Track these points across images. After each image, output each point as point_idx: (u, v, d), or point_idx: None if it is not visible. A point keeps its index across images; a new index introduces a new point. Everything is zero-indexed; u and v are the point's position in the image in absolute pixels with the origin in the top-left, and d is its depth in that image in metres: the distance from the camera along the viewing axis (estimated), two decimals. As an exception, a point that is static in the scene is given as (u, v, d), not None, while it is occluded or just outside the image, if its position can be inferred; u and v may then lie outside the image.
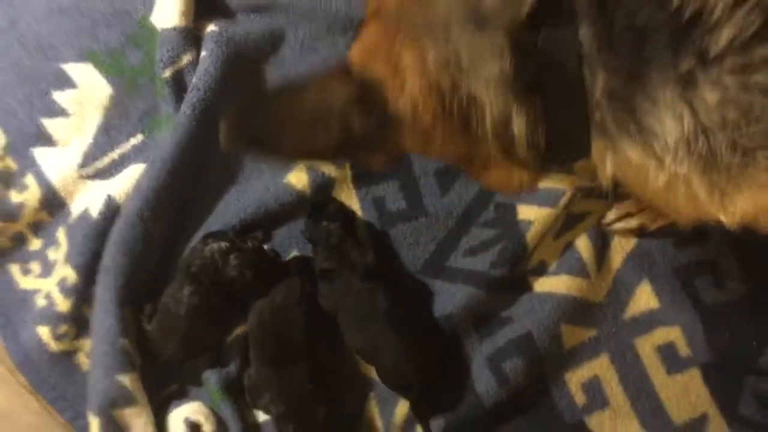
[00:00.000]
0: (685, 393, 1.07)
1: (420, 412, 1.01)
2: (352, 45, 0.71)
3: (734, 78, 0.56)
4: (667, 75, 0.57)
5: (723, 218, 0.65)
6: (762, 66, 0.56)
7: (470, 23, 0.63)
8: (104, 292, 1.01)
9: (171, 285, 1.02)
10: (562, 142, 0.66)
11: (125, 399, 0.98)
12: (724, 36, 0.55)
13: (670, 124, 0.59)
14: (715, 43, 0.56)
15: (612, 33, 0.59)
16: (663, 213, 1.05)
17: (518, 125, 0.65)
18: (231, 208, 1.07)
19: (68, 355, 1.07)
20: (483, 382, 1.04)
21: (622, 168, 0.66)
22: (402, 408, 1.04)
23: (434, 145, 0.71)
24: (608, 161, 0.66)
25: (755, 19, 0.54)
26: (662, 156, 0.61)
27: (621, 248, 1.08)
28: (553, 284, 1.06)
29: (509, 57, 0.61)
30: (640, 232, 1.09)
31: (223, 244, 1.01)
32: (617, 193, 1.00)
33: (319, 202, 1.06)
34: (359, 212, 1.07)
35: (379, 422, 1.05)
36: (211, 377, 1.03)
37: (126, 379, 0.98)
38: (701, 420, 1.06)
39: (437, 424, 1.02)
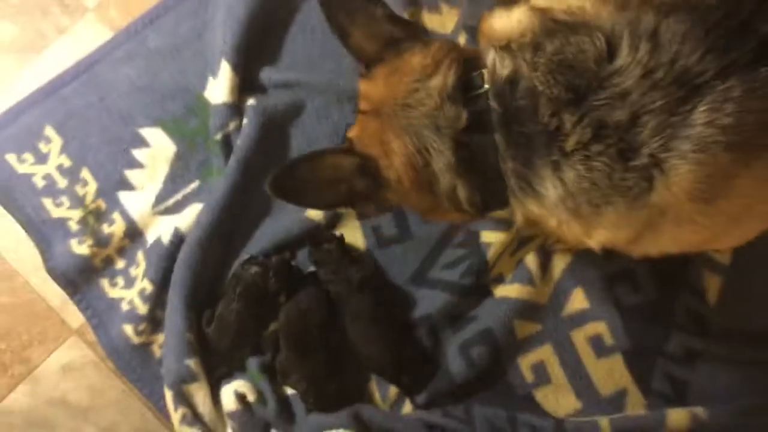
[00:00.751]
0: (610, 372, 1.29)
1: (405, 389, 1.27)
2: (351, 127, 0.98)
3: (582, 164, 0.81)
4: (545, 161, 0.83)
5: (592, 245, 0.94)
6: (597, 157, 0.80)
7: (432, 128, 0.89)
8: (174, 299, 1.29)
9: (223, 299, 1.30)
10: (491, 201, 0.93)
11: (191, 377, 1.26)
12: (572, 141, 0.80)
13: (551, 190, 0.85)
14: (568, 144, 0.81)
15: (512, 137, 0.86)
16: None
17: (461, 192, 0.91)
18: (266, 236, 1.34)
19: (146, 346, 1.35)
20: (456, 364, 1.28)
21: (529, 216, 0.91)
22: (394, 388, 1.29)
23: (411, 201, 0.96)
24: (519, 213, 0.92)
25: (589, 131, 0.79)
26: (550, 209, 0.87)
27: (560, 262, 1.31)
28: (508, 290, 1.30)
29: (453, 152, 0.88)
30: (573, 250, 1.30)
31: (256, 268, 1.28)
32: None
33: (317, 234, 1.33)
34: (361, 237, 1.34)
35: (377, 395, 1.30)
36: (253, 362, 1.30)
37: (191, 363, 1.27)
38: (622, 393, 1.28)
39: (421, 396, 1.27)
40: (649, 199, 0.82)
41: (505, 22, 0.92)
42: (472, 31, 1.37)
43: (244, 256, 1.33)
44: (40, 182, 1.39)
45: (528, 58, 0.86)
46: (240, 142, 1.35)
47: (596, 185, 0.82)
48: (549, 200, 0.86)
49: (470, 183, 0.92)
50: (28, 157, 1.40)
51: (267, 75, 1.41)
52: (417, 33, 0.97)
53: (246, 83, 1.40)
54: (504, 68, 0.88)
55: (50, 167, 1.40)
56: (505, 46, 0.90)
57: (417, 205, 0.99)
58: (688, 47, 0.76)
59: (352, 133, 0.98)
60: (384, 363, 1.25)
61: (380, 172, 0.93)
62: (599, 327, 1.29)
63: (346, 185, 0.95)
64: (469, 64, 0.94)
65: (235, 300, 1.28)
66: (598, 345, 1.29)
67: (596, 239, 0.90)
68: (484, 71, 0.91)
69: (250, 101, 1.39)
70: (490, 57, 0.90)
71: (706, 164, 0.77)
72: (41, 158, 1.40)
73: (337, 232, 1.32)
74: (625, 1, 0.82)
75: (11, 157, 1.41)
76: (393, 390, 1.29)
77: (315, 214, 1.34)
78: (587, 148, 0.81)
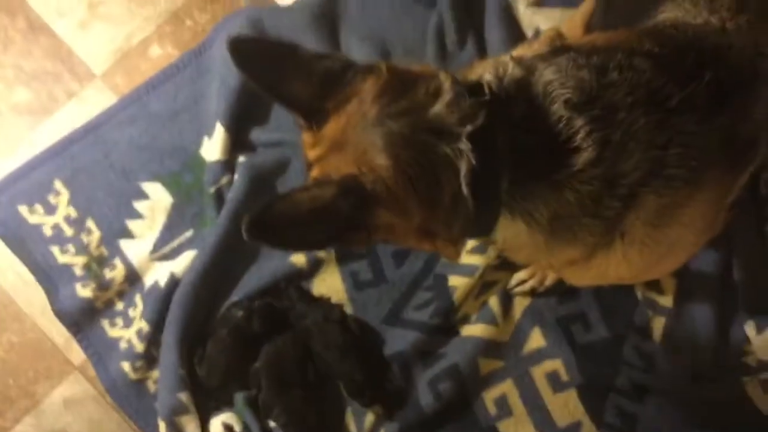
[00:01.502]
0: (566, 405, 1.37)
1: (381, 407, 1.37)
2: (309, 174, 0.87)
3: (581, 185, 0.82)
4: (547, 181, 0.83)
5: (551, 266, 1.02)
6: (593, 180, 0.82)
7: (435, 133, 0.80)
8: (168, 337, 1.39)
9: (212, 340, 1.39)
10: (482, 221, 0.86)
11: (183, 409, 1.36)
12: (584, 158, 0.81)
13: (543, 212, 0.85)
14: (580, 161, 0.81)
15: (516, 150, 0.81)
16: (543, 271, 1.37)
17: (467, 206, 0.82)
18: (252, 280, 1.45)
19: (142, 382, 1.44)
20: (425, 397, 1.37)
21: (508, 239, 0.90)
22: (370, 417, 1.38)
23: (403, 216, 0.83)
24: (501, 236, 0.90)
25: (595, 150, 0.81)
26: (533, 232, 0.87)
27: (520, 305, 1.41)
28: (474, 330, 1.39)
29: (469, 156, 0.80)
30: (532, 293, 1.41)
31: (242, 312, 1.39)
32: (514, 265, 1.37)
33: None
34: (340, 282, 1.45)
35: (353, 427, 1.39)
36: (239, 397, 1.40)
37: (183, 396, 1.37)
38: (577, 425, 1.36)
39: (392, 427, 1.36)
40: (621, 224, 0.88)
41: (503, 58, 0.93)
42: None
43: (233, 298, 1.43)
44: (48, 231, 1.51)
45: (540, 63, 0.90)
46: (231, 195, 1.47)
47: (585, 209, 0.85)
48: (538, 222, 0.87)
49: (477, 199, 0.84)
50: (39, 208, 1.52)
51: (256, 135, 1.53)
52: (351, 62, 0.88)
53: (237, 143, 1.52)
54: (514, 71, 0.88)
55: (58, 217, 1.51)
56: (513, 58, 0.92)
57: (406, 223, 0.86)
58: (656, 77, 0.86)
59: (314, 174, 0.87)
60: (358, 383, 1.35)
61: (365, 187, 0.81)
62: (555, 364, 1.39)
63: (329, 214, 0.82)
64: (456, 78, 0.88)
65: (223, 341, 1.39)
66: (554, 380, 1.38)
67: (561, 260, 0.94)
68: (486, 79, 0.88)
69: (241, 158, 1.51)
70: (495, 67, 0.89)
71: (667, 196, 0.87)
72: (50, 209, 1.52)
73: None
74: (594, 47, 0.93)
75: (23, 209, 1.52)
76: (368, 421, 1.38)
77: (298, 260, 1.45)
78: (592, 168, 0.83)
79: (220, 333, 1.40)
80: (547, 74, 0.86)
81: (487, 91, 0.84)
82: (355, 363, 1.35)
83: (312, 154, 0.87)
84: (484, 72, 0.88)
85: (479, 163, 0.80)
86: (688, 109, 0.87)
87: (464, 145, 0.80)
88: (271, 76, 0.86)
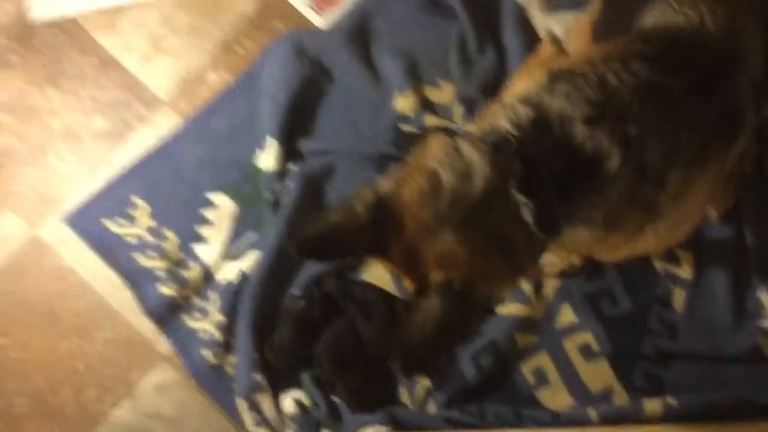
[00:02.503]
0: (598, 373, 1.46)
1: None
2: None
3: (619, 182, 0.92)
4: (589, 190, 0.93)
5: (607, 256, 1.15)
6: (628, 175, 0.92)
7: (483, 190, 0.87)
8: (242, 326, 1.53)
9: (278, 328, 1.54)
10: (551, 239, 0.94)
11: (258, 388, 1.49)
12: (614, 161, 0.90)
13: (597, 214, 0.95)
14: (612, 165, 0.90)
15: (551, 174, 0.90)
16: (577, 255, 1.47)
17: (527, 212, 0.88)
18: (309, 272, 1.57)
19: (221, 366, 1.56)
20: (468, 370, 1.47)
21: (576, 241, 1.00)
22: (420, 389, 1.49)
23: (496, 277, 0.91)
24: (568, 240, 0.98)
25: (620, 150, 0.90)
26: (595, 231, 0.98)
27: (551, 285, 1.50)
28: (509, 309, 1.49)
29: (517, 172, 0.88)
30: (562, 274, 1.50)
31: (303, 302, 1.54)
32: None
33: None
34: (387, 272, 1.55)
35: (406, 398, 1.50)
36: (305, 376, 1.52)
37: (258, 377, 1.50)
38: (609, 390, 1.45)
39: (440, 397, 1.47)
40: (655, 205, 0.97)
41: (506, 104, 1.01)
42: (466, 101, 1.64)
43: (294, 289, 1.58)
44: (132, 240, 1.67)
45: (545, 95, 0.97)
46: (286, 200, 1.60)
47: (627, 201, 0.95)
48: (595, 223, 0.96)
49: (544, 230, 0.90)
50: (122, 221, 1.68)
51: (304, 146, 1.66)
52: (381, 193, 0.92)
53: (288, 153, 1.65)
54: (526, 112, 0.95)
55: (139, 228, 1.67)
56: (516, 100, 0.99)
57: (501, 280, 0.94)
58: (654, 73, 0.96)
59: (407, 286, 0.94)
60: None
61: (456, 286, 0.87)
62: (586, 336, 1.49)
63: (364, 228, 0.90)
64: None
65: (288, 329, 1.54)
66: (586, 351, 1.48)
67: (612, 246, 1.04)
68: (505, 129, 0.94)
69: (292, 167, 1.64)
70: (507, 115, 0.96)
71: (685, 172, 0.97)
72: (132, 221, 1.68)
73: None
74: (591, 60, 1.02)
75: (108, 222, 1.69)
76: (419, 392, 1.50)
77: None
78: (623, 167, 0.92)
79: (285, 322, 1.54)
80: (555, 104, 0.95)
81: (512, 140, 0.91)
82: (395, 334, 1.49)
83: (396, 272, 0.95)
84: (497, 120, 0.96)
85: (536, 205, 0.88)
86: (687, 96, 0.99)
87: (517, 197, 0.88)
88: (333, 251, 0.93)
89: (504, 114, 0.97)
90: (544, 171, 0.90)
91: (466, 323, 0.91)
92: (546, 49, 1.32)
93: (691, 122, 0.99)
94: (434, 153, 0.93)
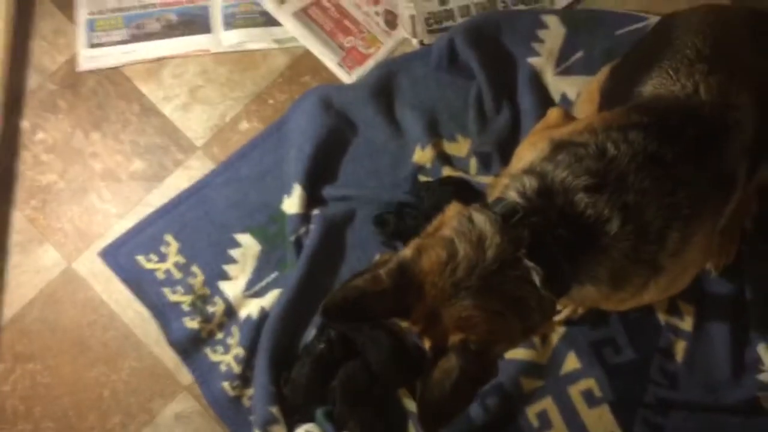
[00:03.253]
0: (600, 419, 1.52)
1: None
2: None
3: (622, 242, 0.99)
4: (594, 250, 1.00)
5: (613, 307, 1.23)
6: (629, 236, 0.99)
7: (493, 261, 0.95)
8: (261, 360, 1.60)
9: (296, 365, 1.59)
10: (560, 298, 1.02)
11: (274, 420, 1.56)
12: (615, 224, 0.98)
13: (602, 272, 1.01)
14: (612, 227, 0.97)
15: (558, 239, 0.98)
16: (583, 306, 1.54)
17: (536, 275, 0.96)
18: None
19: (239, 399, 1.63)
20: (474, 410, 1.53)
21: (584, 296, 1.06)
22: None
23: (510, 336, 0.98)
24: (576, 296, 1.05)
25: (620, 214, 0.98)
26: (600, 287, 1.04)
27: (556, 332, 1.57)
28: (516, 353, 1.54)
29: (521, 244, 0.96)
30: (567, 322, 1.57)
31: (323, 345, 1.59)
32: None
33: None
34: None
35: None
36: (319, 411, 1.58)
37: (274, 409, 1.56)
38: None
39: None
40: (657, 262, 1.03)
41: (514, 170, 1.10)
42: (481, 156, 1.75)
43: (312, 328, 1.65)
44: (161, 275, 1.76)
45: (548, 166, 1.04)
46: (308, 242, 1.69)
47: (630, 259, 1.01)
48: (601, 281, 1.03)
49: (554, 291, 0.98)
50: (153, 257, 1.78)
51: (327, 192, 1.76)
52: (402, 260, 0.98)
53: (312, 198, 1.74)
54: (532, 183, 1.02)
55: (169, 264, 1.77)
56: (521, 171, 1.06)
57: (514, 339, 1.01)
58: (650, 142, 1.04)
59: (428, 345, 0.99)
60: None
61: (472, 345, 0.94)
62: (590, 382, 1.55)
63: (387, 293, 0.96)
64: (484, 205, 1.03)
65: (305, 367, 1.60)
66: (589, 397, 1.54)
67: (617, 300, 1.11)
68: (512, 199, 1.01)
69: (316, 211, 1.73)
70: (515, 186, 1.03)
71: (684, 230, 1.04)
72: (162, 257, 1.78)
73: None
74: (592, 129, 1.10)
75: (140, 258, 1.78)
76: None
77: None
78: (623, 229, 0.99)
79: (303, 360, 1.61)
80: (558, 174, 1.02)
81: (520, 210, 0.99)
82: (404, 365, 1.55)
83: (415, 329, 1.00)
84: (506, 191, 1.04)
85: (545, 269, 0.96)
86: (682, 160, 1.07)
87: (528, 263, 0.96)
88: (359, 314, 0.99)
89: (512, 185, 1.04)
90: (550, 237, 0.98)
91: (481, 381, 0.97)
92: (553, 114, 1.43)
93: (686, 185, 1.07)
94: (450, 223, 1.01)
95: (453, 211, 1.04)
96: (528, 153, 1.14)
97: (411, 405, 1.60)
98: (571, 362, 1.57)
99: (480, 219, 0.99)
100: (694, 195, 1.07)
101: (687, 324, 1.57)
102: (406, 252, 1.00)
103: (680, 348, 1.55)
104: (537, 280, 0.97)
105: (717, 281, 1.58)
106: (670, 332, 1.57)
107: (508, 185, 1.05)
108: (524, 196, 1.02)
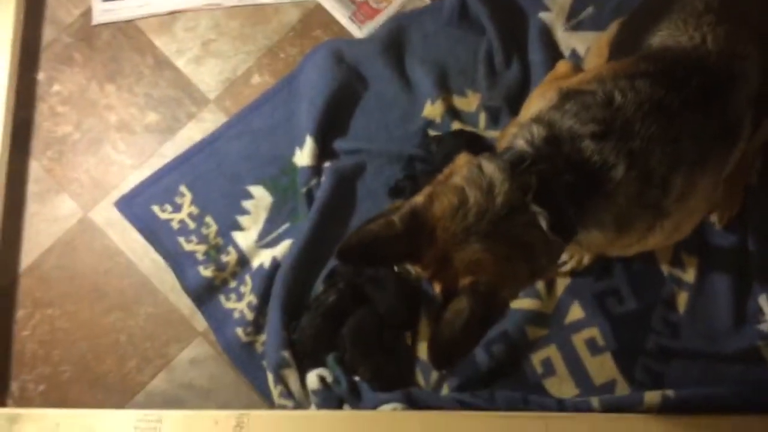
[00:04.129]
0: (602, 366, 1.54)
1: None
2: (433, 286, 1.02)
3: (627, 187, 1.01)
4: (600, 196, 1.02)
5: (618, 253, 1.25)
6: (634, 181, 1.01)
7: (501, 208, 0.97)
8: (273, 307, 1.64)
9: (306, 315, 1.63)
10: (567, 242, 1.04)
11: (286, 364, 1.59)
12: (620, 171, 0.99)
13: (607, 216, 1.03)
14: (618, 174, 0.99)
15: (565, 185, 1.00)
16: (589, 253, 1.56)
17: (544, 220, 0.99)
18: (334, 261, 1.68)
19: (251, 344, 1.66)
20: (481, 357, 1.55)
21: (591, 242, 1.08)
22: (435, 374, 1.59)
23: (519, 280, 1.00)
24: (584, 240, 1.07)
25: (625, 160, 1.00)
26: (606, 231, 1.06)
27: (561, 283, 1.59)
28: (522, 303, 1.57)
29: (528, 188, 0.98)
30: (572, 273, 1.59)
31: (334, 296, 1.63)
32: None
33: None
34: None
35: (422, 380, 1.60)
36: (330, 357, 1.62)
37: (286, 354, 1.60)
38: (612, 383, 1.53)
39: (454, 381, 1.56)
40: (661, 206, 1.05)
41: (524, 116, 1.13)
42: (490, 110, 1.77)
43: (322, 275, 1.70)
44: (176, 225, 1.80)
45: (555, 114, 1.06)
46: (319, 194, 1.71)
47: (635, 204, 1.03)
48: (607, 225, 1.05)
49: (560, 235, 1.01)
50: (168, 207, 1.82)
51: (338, 145, 1.78)
52: (414, 205, 1.01)
53: (323, 151, 1.77)
54: (540, 131, 1.03)
55: (183, 214, 1.81)
56: (530, 120, 1.07)
57: (524, 280, 1.04)
58: (656, 90, 1.06)
59: (438, 290, 1.01)
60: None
61: (482, 287, 0.97)
62: (593, 332, 1.58)
63: (400, 237, 0.99)
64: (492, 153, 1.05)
65: (317, 319, 1.63)
66: (592, 345, 1.57)
67: (623, 245, 1.13)
68: (521, 147, 1.03)
69: (327, 164, 1.76)
70: (523, 134, 1.05)
71: (688, 176, 1.06)
72: (177, 208, 1.81)
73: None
74: (600, 77, 1.12)
75: (156, 208, 1.82)
76: (434, 376, 1.61)
77: None
78: (628, 174, 1.02)
79: (313, 312, 1.64)
80: (565, 122, 1.05)
81: (528, 157, 1.01)
82: (408, 303, 1.60)
83: (426, 274, 1.03)
84: (514, 139, 1.06)
85: (552, 214, 0.99)
86: (688, 108, 1.09)
87: (535, 208, 0.99)
88: (372, 257, 1.03)
89: (520, 133, 1.07)
90: (557, 183, 1.00)
91: (490, 321, 1.01)
92: (561, 67, 1.44)
93: (691, 132, 1.09)
94: (460, 171, 1.03)
95: (463, 160, 1.07)
96: (537, 102, 1.16)
97: (419, 351, 1.65)
98: (576, 312, 1.60)
99: (489, 167, 1.02)
100: (699, 142, 1.10)
101: (690, 275, 1.59)
102: (419, 198, 1.03)
103: (682, 298, 1.57)
104: (544, 224, 0.99)
105: (720, 233, 1.60)
106: (673, 283, 1.59)
107: (516, 134, 1.08)
108: (532, 144, 1.04)
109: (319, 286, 1.70)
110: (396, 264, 1.10)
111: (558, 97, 1.10)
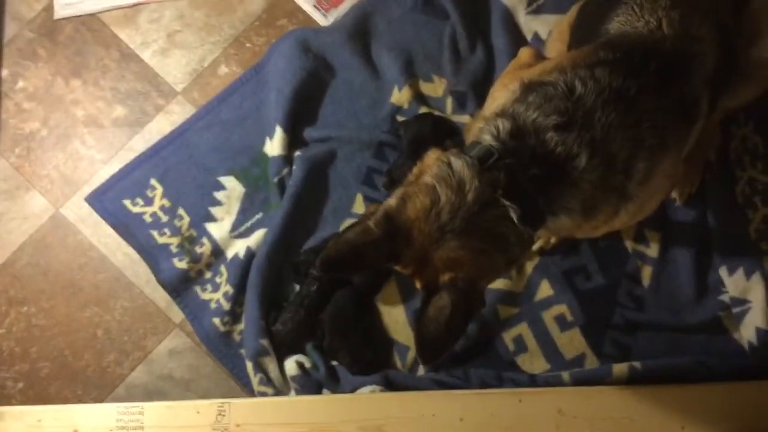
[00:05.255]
0: (571, 342, 1.60)
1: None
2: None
3: (591, 174, 1.04)
4: (566, 184, 1.04)
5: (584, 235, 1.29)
6: (597, 167, 1.03)
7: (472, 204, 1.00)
8: (250, 296, 1.66)
9: (288, 307, 1.64)
10: (537, 230, 1.07)
11: (264, 352, 1.62)
12: (583, 160, 1.02)
13: (574, 203, 1.06)
14: (580, 163, 1.02)
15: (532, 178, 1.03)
16: (558, 236, 1.59)
17: (515, 213, 1.02)
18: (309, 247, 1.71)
19: (229, 334, 1.70)
20: None
21: (559, 227, 1.11)
22: (411, 353, 1.63)
23: (496, 269, 1.06)
24: (553, 227, 1.10)
25: (587, 149, 1.02)
26: (574, 216, 1.09)
27: (530, 262, 1.64)
28: (493, 284, 1.43)
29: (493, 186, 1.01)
30: (540, 253, 1.64)
31: (315, 288, 1.64)
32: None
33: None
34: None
35: (398, 362, 1.64)
36: (308, 343, 1.66)
37: (264, 342, 1.63)
38: (582, 357, 1.59)
39: None
40: (625, 189, 1.09)
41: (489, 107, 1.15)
42: (456, 95, 1.79)
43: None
44: (148, 218, 1.81)
45: (519, 107, 1.08)
46: (291, 183, 1.73)
47: (599, 189, 1.07)
48: (574, 211, 1.08)
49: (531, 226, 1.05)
50: (139, 201, 1.82)
51: (308, 133, 1.79)
52: (388, 208, 1.04)
53: (293, 140, 1.78)
54: (504, 124, 1.06)
55: (155, 207, 1.81)
56: (494, 113, 1.09)
57: (499, 270, 1.09)
58: (615, 77, 1.08)
59: (419, 286, 1.05)
60: None
61: (460, 283, 1.00)
62: (562, 308, 1.63)
63: (378, 242, 1.02)
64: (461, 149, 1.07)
65: (299, 311, 1.65)
66: (561, 321, 1.62)
67: (590, 228, 1.17)
68: (487, 142, 1.06)
69: (297, 153, 1.78)
70: (489, 128, 1.07)
71: (650, 159, 1.09)
72: (148, 201, 1.82)
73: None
74: (561, 67, 1.14)
75: (127, 202, 1.82)
76: (410, 356, 1.64)
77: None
78: (591, 162, 1.05)
79: (295, 305, 1.65)
80: (529, 115, 1.07)
81: (495, 152, 1.04)
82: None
83: (407, 272, 1.06)
84: (480, 134, 1.09)
85: (521, 206, 1.02)
86: (646, 92, 1.12)
87: (505, 203, 1.02)
88: (354, 265, 1.06)
89: (486, 128, 1.09)
90: (524, 175, 1.03)
91: (472, 313, 1.04)
92: (524, 54, 1.46)
93: (650, 116, 1.12)
94: (430, 170, 1.06)
95: (432, 157, 1.09)
96: (500, 94, 1.18)
97: (395, 333, 1.69)
98: (545, 290, 1.64)
99: (458, 164, 1.04)
100: (658, 125, 1.13)
101: (653, 250, 1.64)
102: (391, 201, 1.06)
103: (646, 273, 1.62)
104: (515, 217, 1.03)
105: (681, 209, 1.65)
106: (637, 258, 1.63)
107: (482, 128, 1.10)
108: (498, 138, 1.07)
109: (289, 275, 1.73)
110: (377, 267, 1.12)
111: (521, 89, 1.13)
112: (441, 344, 1.03)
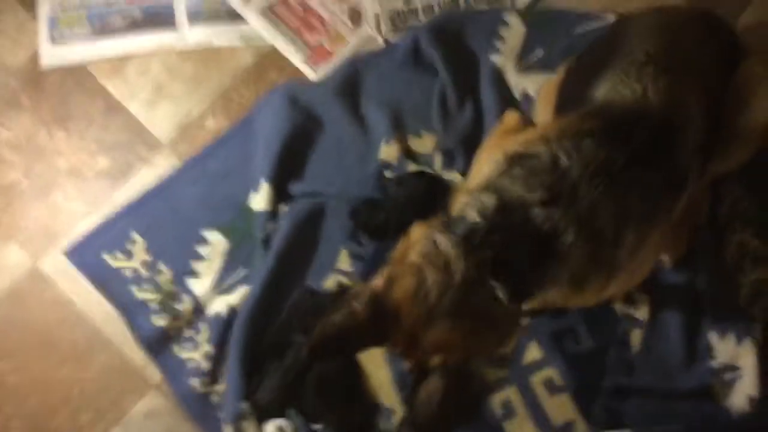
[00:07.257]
0: (561, 407, 1.56)
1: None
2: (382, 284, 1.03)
3: (578, 249, 1.03)
4: (553, 259, 1.03)
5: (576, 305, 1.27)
6: (585, 242, 1.02)
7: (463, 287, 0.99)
8: (232, 356, 1.61)
9: (269, 376, 1.59)
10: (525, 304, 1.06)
11: (244, 415, 1.57)
12: (570, 237, 1.01)
13: (563, 275, 1.05)
14: (567, 239, 1.01)
15: (519, 252, 1.02)
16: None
17: (501, 290, 1.00)
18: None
19: (208, 395, 1.64)
20: None
21: (547, 300, 1.10)
22: (396, 418, 1.59)
23: (486, 346, 1.06)
24: (542, 299, 1.08)
25: (574, 226, 1.02)
26: (562, 288, 1.07)
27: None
28: None
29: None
30: (530, 314, 1.51)
31: (293, 354, 1.60)
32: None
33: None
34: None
35: (384, 426, 1.60)
36: (291, 409, 1.60)
37: (244, 405, 1.58)
38: (571, 423, 1.55)
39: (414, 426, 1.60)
40: (614, 262, 1.09)
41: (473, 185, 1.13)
42: (446, 152, 1.78)
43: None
44: (128, 273, 1.76)
45: (505, 181, 1.07)
46: (276, 239, 1.70)
47: (588, 263, 1.06)
48: (563, 285, 1.07)
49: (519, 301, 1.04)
50: (120, 255, 1.78)
51: (295, 188, 1.76)
52: (376, 292, 1.03)
53: (280, 195, 1.75)
54: (489, 200, 1.05)
55: (136, 263, 1.77)
56: (479, 188, 1.09)
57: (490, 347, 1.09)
58: (601, 150, 1.07)
59: (411, 369, 1.05)
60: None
61: (452, 368, 1.01)
62: (551, 372, 1.59)
63: (364, 325, 1.02)
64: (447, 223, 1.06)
65: (283, 377, 1.61)
66: (550, 385, 1.59)
67: (580, 300, 1.17)
68: (472, 219, 1.05)
69: (284, 208, 1.74)
70: (474, 204, 1.06)
71: (639, 231, 1.09)
72: (129, 256, 1.78)
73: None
74: (546, 137, 1.12)
75: (107, 256, 1.78)
76: (395, 421, 1.60)
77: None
78: (578, 237, 1.04)
79: (280, 372, 1.61)
80: (514, 190, 1.06)
81: (480, 230, 1.03)
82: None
83: (396, 352, 1.06)
84: (466, 209, 1.07)
85: (509, 285, 1.01)
86: (634, 163, 1.11)
87: (492, 283, 1.00)
88: (341, 349, 1.06)
89: (471, 203, 1.08)
90: (511, 252, 1.02)
91: (465, 393, 1.04)
92: (509, 119, 1.46)
93: (637, 187, 1.12)
94: (415, 247, 1.05)
95: (417, 234, 1.08)
96: (486, 164, 1.18)
97: (381, 396, 1.65)
98: (533, 352, 1.61)
99: (444, 242, 1.03)
100: (646, 196, 1.12)
101: (642, 313, 1.62)
102: (378, 283, 1.04)
103: (636, 336, 1.60)
104: (503, 297, 1.01)
105: (671, 272, 1.63)
106: (626, 322, 1.61)
107: (468, 203, 1.09)
108: (483, 215, 1.05)
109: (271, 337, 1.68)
110: (366, 349, 1.11)
111: (505, 162, 1.12)
112: (435, 427, 1.02)
